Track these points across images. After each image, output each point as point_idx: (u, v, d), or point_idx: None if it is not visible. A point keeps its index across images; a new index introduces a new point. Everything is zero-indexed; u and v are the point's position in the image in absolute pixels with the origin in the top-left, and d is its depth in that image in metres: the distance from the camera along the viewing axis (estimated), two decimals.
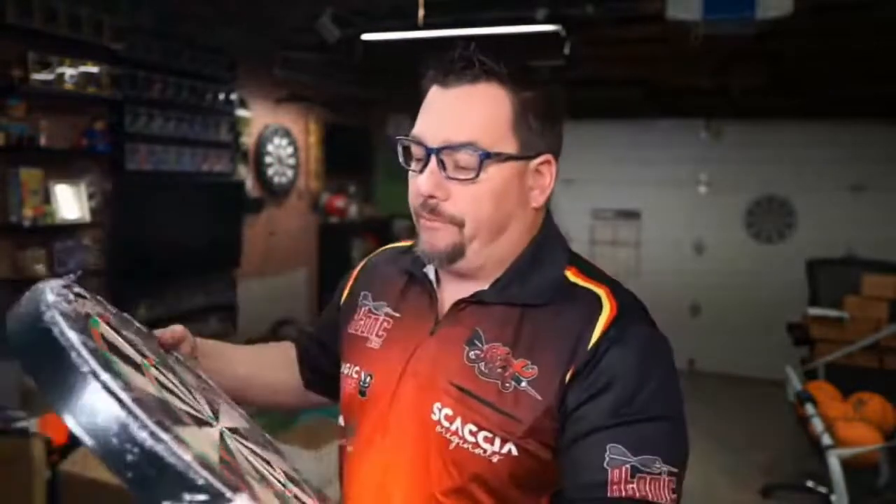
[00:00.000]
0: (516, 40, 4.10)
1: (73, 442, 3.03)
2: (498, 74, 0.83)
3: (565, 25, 3.78)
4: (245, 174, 5.18)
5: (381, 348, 0.95)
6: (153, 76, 4.19)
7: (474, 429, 0.83)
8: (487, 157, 0.82)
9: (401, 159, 0.89)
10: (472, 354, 0.86)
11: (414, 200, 0.87)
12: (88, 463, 2.93)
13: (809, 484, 3.60)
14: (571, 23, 3.77)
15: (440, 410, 0.85)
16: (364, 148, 6.77)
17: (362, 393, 0.94)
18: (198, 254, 4.57)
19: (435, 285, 0.94)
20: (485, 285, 0.90)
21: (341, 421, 1.00)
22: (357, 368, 0.96)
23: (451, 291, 0.92)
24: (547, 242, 0.92)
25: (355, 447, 0.95)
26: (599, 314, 0.83)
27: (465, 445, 0.83)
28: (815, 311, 4.75)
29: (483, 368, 0.85)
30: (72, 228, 3.75)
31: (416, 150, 0.87)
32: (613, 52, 4.76)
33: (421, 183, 0.84)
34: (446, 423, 0.85)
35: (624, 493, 0.74)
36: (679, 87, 5.78)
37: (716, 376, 6.44)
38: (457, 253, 0.87)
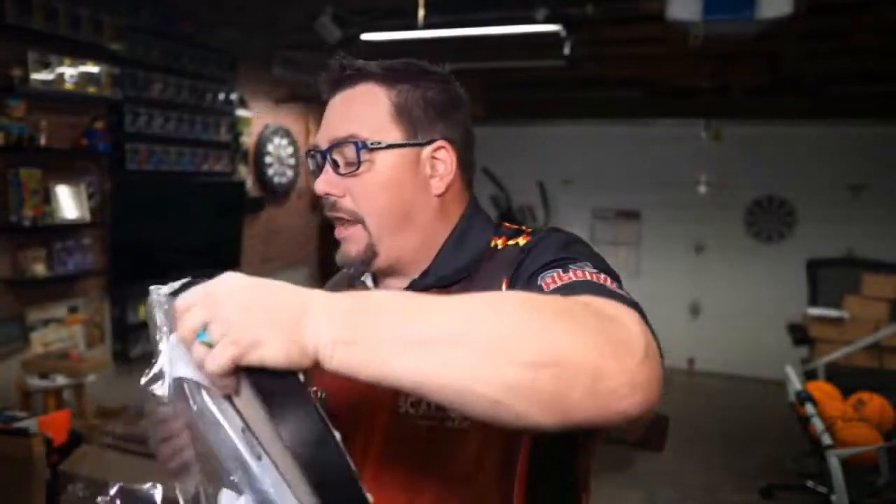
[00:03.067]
0: (515, 40, 4.11)
1: (73, 442, 3.03)
2: (372, 74, 0.88)
3: (565, 25, 3.78)
4: (245, 174, 5.18)
5: None
6: (153, 76, 4.19)
7: None
8: (364, 146, 0.85)
9: (312, 172, 0.93)
10: None
11: (323, 206, 0.91)
12: (88, 463, 2.93)
13: (809, 484, 3.60)
14: (571, 23, 3.77)
15: (405, 401, 0.85)
16: None
17: None
18: (198, 254, 4.57)
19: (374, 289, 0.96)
20: (404, 283, 0.93)
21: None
22: (314, 388, 0.93)
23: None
24: (470, 226, 0.93)
25: None
26: (520, 247, 0.87)
27: (433, 423, 0.83)
28: (815, 311, 4.75)
29: None
30: (72, 228, 3.75)
31: (317, 157, 0.91)
32: (613, 52, 4.76)
33: (317, 182, 0.88)
34: (412, 410, 0.85)
35: (562, 283, 0.75)
36: (679, 87, 5.79)
37: (716, 376, 6.44)
38: (370, 253, 0.89)
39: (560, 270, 0.77)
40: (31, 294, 3.60)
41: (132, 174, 4.07)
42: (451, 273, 0.90)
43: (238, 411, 0.58)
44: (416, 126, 0.88)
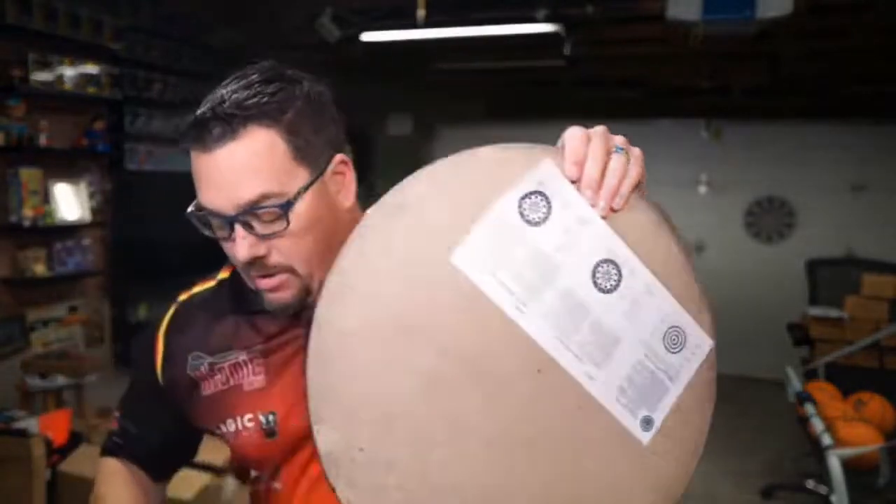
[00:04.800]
0: (515, 40, 4.11)
1: (73, 442, 3.04)
2: (256, 115, 0.78)
3: (565, 25, 3.78)
4: None
5: (266, 385, 0.92)
6: (153, 76, 4.19)
7: None
8: (289, 204, 0.78)
9: (202, 231, 0.84)
10: None
11: (238, 265, 0.84)
12: (88, 463, 2.93)
13: (809, 484, 3.60)
14: (571, 23, 3.77)
15: None
16: (364, 148, 6.77)
17: (271, 434, 0.91)
18: (198, 254, 4.53)
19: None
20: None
21: (252, 474, 0.98)
22: (249, 416, 0.91)
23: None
24: None
25: (287, 482, 0.93)
26: None
27: None
28: (815, 311, 4.75)
29: None
30: (72, 228, 3.75)
31: (215, 221, 0.82)
32: (613, 52, 4.76)
33: (238, 252, 0.79)
34: None
35: None
36: (679, 87, 5.79)
37: (716, 376, 6.44)
38: (304, 293, 0.84)
39: None
40: (31, 294, 3.60)
41: (132, 174, 4.07)
42: None
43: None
44: (314, 154, 0.82)
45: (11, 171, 3.43)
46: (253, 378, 0.91)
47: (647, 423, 0.70)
